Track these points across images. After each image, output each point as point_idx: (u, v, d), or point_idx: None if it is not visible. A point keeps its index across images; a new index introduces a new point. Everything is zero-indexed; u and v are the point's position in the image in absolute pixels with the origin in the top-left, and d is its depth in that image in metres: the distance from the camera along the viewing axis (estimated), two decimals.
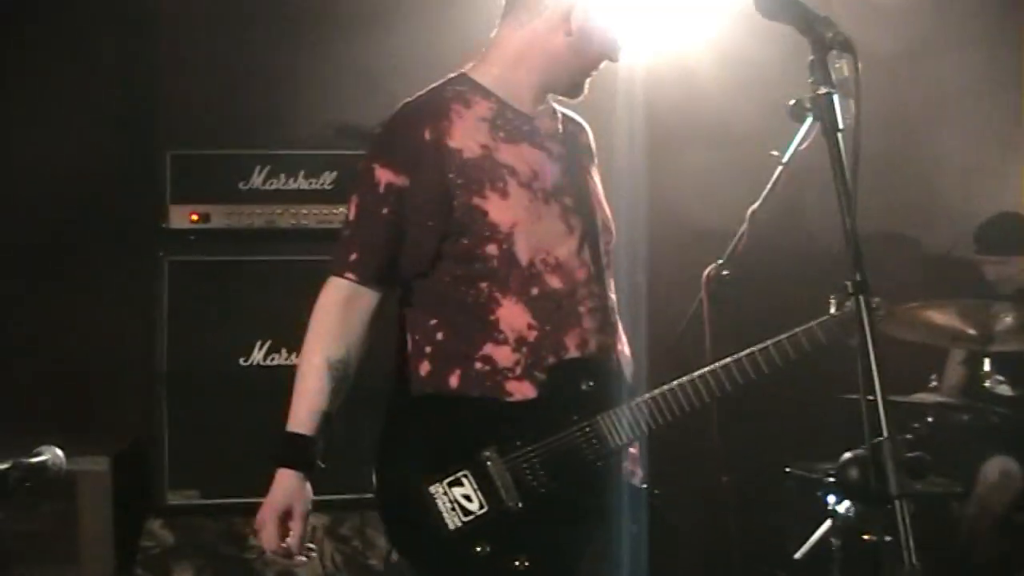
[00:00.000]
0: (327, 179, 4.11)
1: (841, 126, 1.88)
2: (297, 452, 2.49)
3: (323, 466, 2.50)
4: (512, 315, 2.44)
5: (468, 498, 2.36)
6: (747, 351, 2.44)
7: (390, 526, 2.46)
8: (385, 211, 2.46)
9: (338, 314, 2.48)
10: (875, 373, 1.74)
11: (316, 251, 3.98)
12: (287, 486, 2.47)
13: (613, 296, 2.63)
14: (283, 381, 3.86)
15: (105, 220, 4.48)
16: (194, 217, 4.02)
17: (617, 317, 2.64)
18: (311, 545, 2.56)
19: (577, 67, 2.58)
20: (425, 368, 2.51)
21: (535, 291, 2.46)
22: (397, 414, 2.55)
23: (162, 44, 4.67)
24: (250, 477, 3.85)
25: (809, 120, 1.96)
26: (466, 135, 2.47)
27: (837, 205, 1.85)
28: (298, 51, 4.67)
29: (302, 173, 4.10)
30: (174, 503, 3.95)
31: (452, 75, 2.59)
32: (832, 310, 2.36)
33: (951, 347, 4.13)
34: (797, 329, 2.43)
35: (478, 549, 2.35)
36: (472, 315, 2.45)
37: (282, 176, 4.09)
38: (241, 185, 4.07)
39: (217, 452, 3.94)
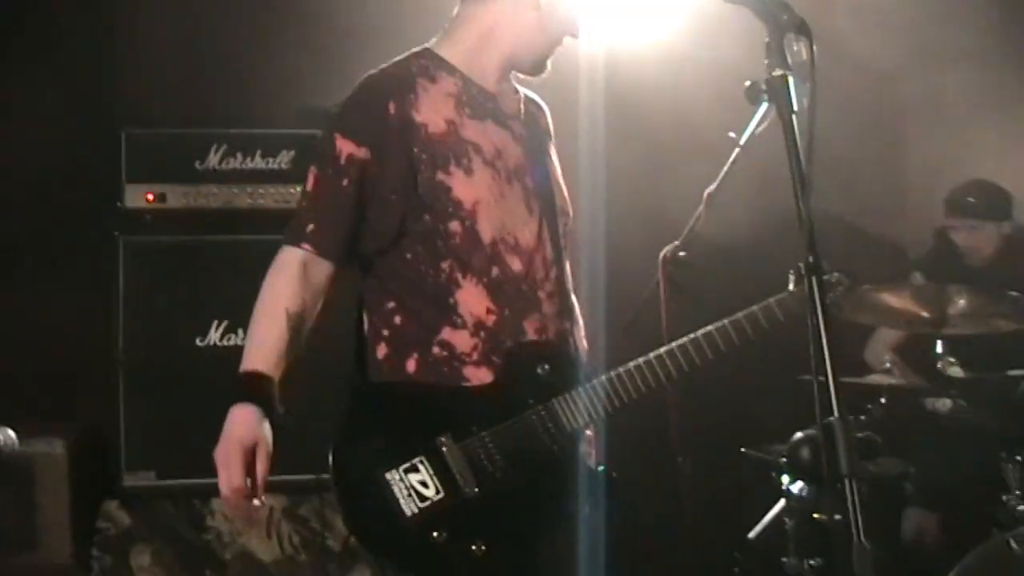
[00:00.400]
0: (284, 159, 4.09)
1: (796, 108, 1.89)
2: (259, 388, 2.40)
3: (281, 413, 2.42)
4: (471, 298, 2.44)
5: (424, 484, 2.36)
6: (703, 330, 2.45)
7: (347, 513, 2.43)
8: (345, 183, 2.44)
9: (295, 275, 2.45)
10: (826, 354, 1.76)
11: (273, 231, 3.90)
12: (250, 421, 2.36)
13: (570, 279, 2.64)
14: (240, 361, 3.93)
15: (61, 200, 4.44)
16: (150, 197, 4.00)
17: (574, 301, 2.65)
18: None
19: (543, 44, 2.58)
20: (382, 351, 2.52)
21: (495, 272, 2.46)
22: (354, 401, 2.54)
23: (119, 22, 4.62)
24: (207, 458, 3.87)
25: (765, 102, 1.97)
26: (432, 110, 2.47)
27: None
28: (256, 30, 4.65)
29: (259, 153, 4.09)
30: (131, 485, 3.93)
31: (416, 49, 2.58)
32: (791, 287, 2.36)
33: (906, 330, 4.17)
34: (754, 307, 2.44)
35: (435, 535, 2.36)
36: (431, 298, 2.45)
37: (239, 156, 4.08)
38: (198, 165, 4.05)
39: (174, 433, 3.93)
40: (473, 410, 2.42)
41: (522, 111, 2.64)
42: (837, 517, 1.65)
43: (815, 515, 3.77)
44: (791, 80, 1.91)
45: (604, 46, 2.55)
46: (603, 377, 2.44)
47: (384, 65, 2.54)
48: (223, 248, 4.03)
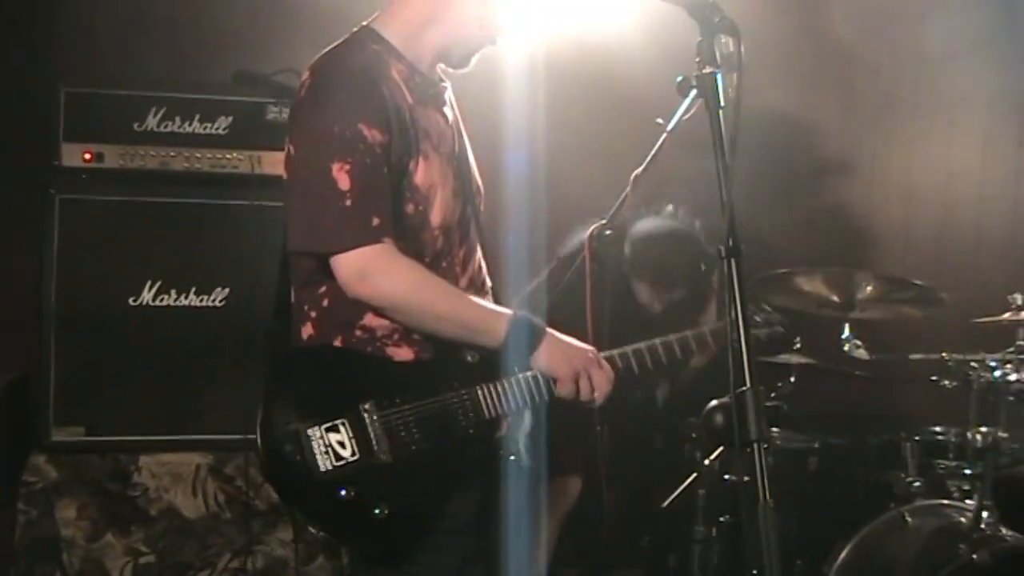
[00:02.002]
0: (222, 124, 4.12)
1: (722, 103, 2.03)
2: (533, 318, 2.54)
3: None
4: None
5: (342, 444, 2.45)
6: (634, 347, 2.62)
7: (267, 460, 2.51)
8: (385, 170, 2.41)
9: (402, 257, 2.44)
10: (740, 329, 1.91)
11: (208, 195, 4.10)
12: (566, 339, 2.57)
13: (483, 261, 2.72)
14: (172, 321, 4.02)
15: None
16: (87, 156, 4.00)
17: (488, 282, 2.75)
18: None
19: (479, 38, 2.62)
20: (308, 331, 2.58)
21: (431, 256, 2.54)
22: (286, 359, 2.62)
23: None
24: (136, 415, 3.99)
25: (693, 94, 2.11)
26: (397, 94, 2.48)
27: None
28: None
29: (197, 117, 4.11)
30: (59, 440, 3.96)
31: (358, 30, 2.57)
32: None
33: (816, 313, 4.35)
34: (687, 332, 2.60)
35: (343, 492, 2.45)
36: None
37: (177, 119, 4.09)
38: (136, 126, 4.05)
39: (104, 390, 3.97)
40: (398, 383, 2.51)
41: (448, 96, 2.68)
42: (746, 479, 1.79)
43: (725, 476, 3.97)
44: (719, 77, 2.05)
45: (543, 37, 2.62)
46: (528, 374, 2.55)
47: (341, 46, 2.51)
48: (158, 209, 4.05)
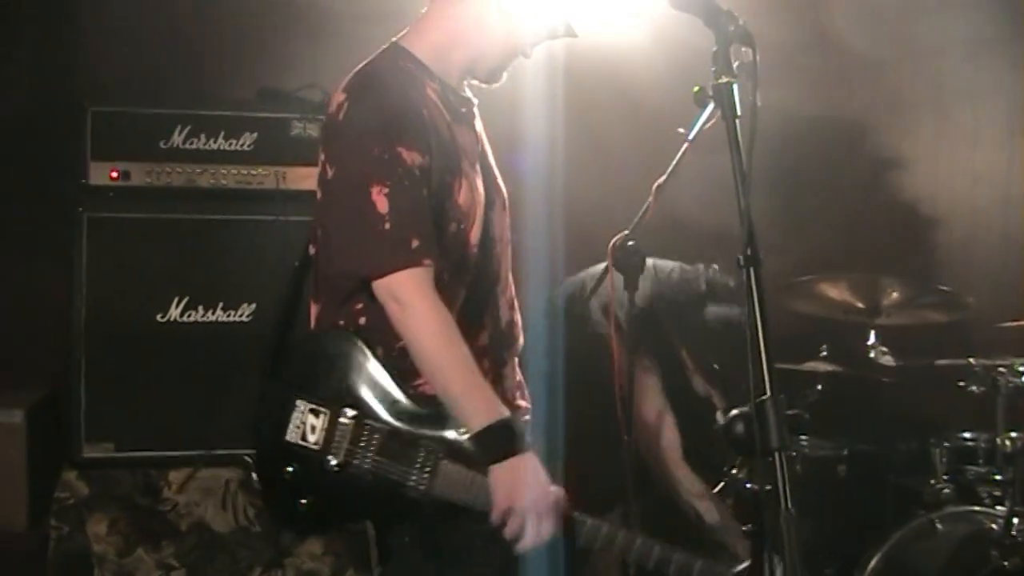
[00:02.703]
0: (247, 140, 4.16)
1: (739, 113, 2.04)
2: (521, 433, 2.43)
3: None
4: (448, 299, 2.46)
5: (313, 430, 2.49)
6: (623, 532, 2.45)
7: (258, 410, 2.59)
8: (425, 192, 2.39)
9: (438, 303, 2.40)
10: (761, 340, 1.91)
11: (234, 211, 4.13)
12: (537, 472, 2.39)
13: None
14: (199, 337, 4.05)
15: (25, 174, 4.48)
16: (114, 174, 4.05)
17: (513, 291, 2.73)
18: None
19: (507, 52, 2.61)
20: None
21: (469, 274, 2.54)
22: (322, 334, 2.61)
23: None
24: (165, 431, 4.02)
25: (711, 105, 2.12)
26: (436, 114, 2.47)
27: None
28: (221, 10, 4.70)
29: (222, 134, 4.15)
30: (90, 456, 4.00)
31: (388, 47, 2.57)
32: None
33: (843, 319, 4.34)
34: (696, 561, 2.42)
35: (288, 468, 2.50)
36: None
37: (203, 136, 4.14)
38: (162, 144, 4.10)
39: (133, 406, 4.00)
40: (392, 404, 2.50)
41: (476, 113, 2.68)
42: (768, 487, 1.79)
43: (747, 485, 3.94)
44: (735, 87, 2.06)
45: (565, 47, 2.63)
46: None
47: (373, 65, 2.50)
48: (185, 226, 4.09)
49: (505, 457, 2.37)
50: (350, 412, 2.48)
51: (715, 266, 4.09)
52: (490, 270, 2.61)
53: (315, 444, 2.49)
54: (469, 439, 2.40)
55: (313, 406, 2.50)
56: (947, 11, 5.03)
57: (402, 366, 2.51)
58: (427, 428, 2.47)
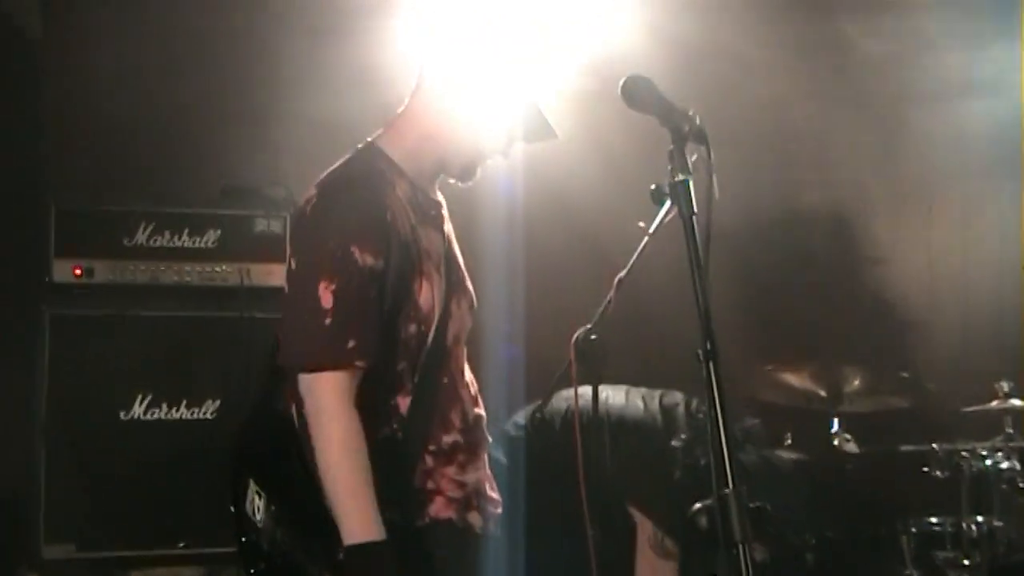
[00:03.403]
0: (211, 237, 4.19)
1: (695, 211, 2.08)
2: (391, 557, 2.38)
3: None
4: (404, 402, 2.50)
5: (258, 509, 2.52)
6: None
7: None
8: (373, 294, 2.40)
9: (350, 407, 2.37)
10: (722, 433, 1.93)
11: (198, 307, 4.13)
12: None
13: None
14: (163, 434, 4.01)
15: None
16: (78, 272, 4.06)
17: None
18: None
19: (480, 152, 2.61)
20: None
21: (428, 372, 2.54)
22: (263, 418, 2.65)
23: (47, 96, 4.70)
24: (126, 530, 3.97)
25: (668, 203, 2.16)
26: (401, 216, 2.48)
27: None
28: (184, 106, 4.74)
29: (186, 231, 4.18)
30: (50, 558, 3.93)
31: (364, 147, 2.58)
32: None
33: (805, 407, 4.37)
34: None
35: (243, 539, 2.54)
36: (368, 402, 2.43)
37: (167, 233, 4.16)
38: (125, 241, 4.12)
39: (95, 506, 3.96)
40: (312, 497, 2.44)
41: (444, 213, 2.69)
42: None
43: None
44: (691, 184, 2.10)
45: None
46: None
47: (347, 165, 2.52)
48: (149, 323, 4.09)
49: None
50: (273, 507, 2.51)
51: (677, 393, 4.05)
52: (453, 368, 2.62)
53: (260, 523, 2.52)
54: (342, 554, 2.38)
55: (257, 488, 2.53)
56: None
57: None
58: (317, 537, 2.44)
